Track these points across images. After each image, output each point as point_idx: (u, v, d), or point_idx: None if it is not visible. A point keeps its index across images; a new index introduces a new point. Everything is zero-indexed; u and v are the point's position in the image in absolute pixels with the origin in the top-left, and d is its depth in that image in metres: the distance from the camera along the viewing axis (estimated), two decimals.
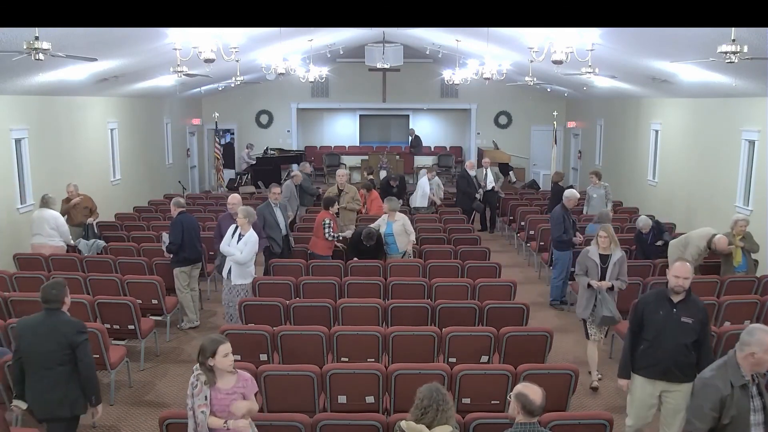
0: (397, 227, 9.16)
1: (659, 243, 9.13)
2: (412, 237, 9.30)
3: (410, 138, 21.01)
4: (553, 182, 12.85)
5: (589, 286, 6.70)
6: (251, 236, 7.48)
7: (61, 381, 4.51)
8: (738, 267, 8.16)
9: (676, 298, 4.87)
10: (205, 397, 3.96)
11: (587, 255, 6.85)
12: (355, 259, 8.94)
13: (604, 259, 6.73)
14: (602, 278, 6.70)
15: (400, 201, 12.84)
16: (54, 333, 4.51)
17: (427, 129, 22.99)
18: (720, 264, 8.45)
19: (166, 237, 8.44)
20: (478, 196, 13.54)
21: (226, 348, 3.95)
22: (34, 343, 4.52)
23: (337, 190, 10.88)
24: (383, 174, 16.10)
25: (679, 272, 4.88)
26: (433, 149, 22.23)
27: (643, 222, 9.35)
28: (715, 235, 8.08)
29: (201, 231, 8.95)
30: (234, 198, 8.66)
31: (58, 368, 4.50)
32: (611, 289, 6.66)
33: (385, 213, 9.45)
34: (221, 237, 7.82)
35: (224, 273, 7.64)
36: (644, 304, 5.05)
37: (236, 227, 7.55)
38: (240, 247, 7.43)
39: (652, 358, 4.90)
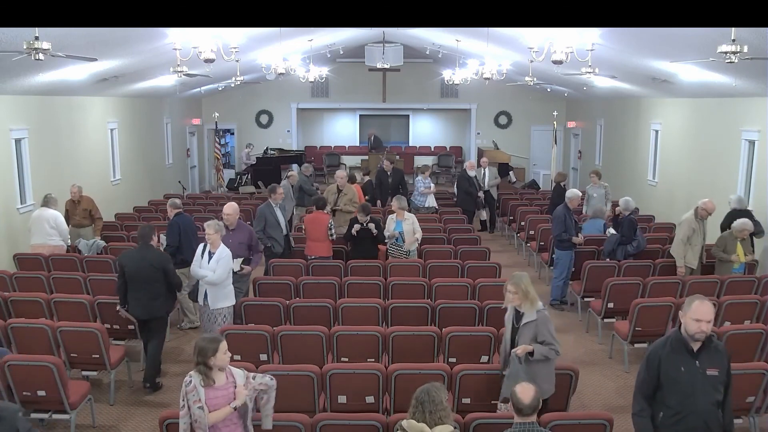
0: (406, 226, 9.09)
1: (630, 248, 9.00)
2: (418, 236, 9.25)
3: (370, 139, 20.99)
4: (556, 182, 12.84)
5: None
6: (223, 252, 6.64)
7: (158, 293, 6.63)
8: (737, 269, 8.16)
9: (695, 346, 3.88)
10: (200, 395, 4.02)
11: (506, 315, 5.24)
12: (350, 244, 8.98)
13: (519, 318, 5.05)
14: (512, 342, 5.07)
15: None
16: (152, 261, 6.60)
17: (427, 129, 23.01)
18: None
19: (163, 239, 8.40)
20: (480, 195, 13.41)
21: (224, 345, 4.11)
22: (139, 268, 6.58)
23: (336, 190, 10.83)
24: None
25: (701, 314, 3.79)
26: (433, 149, 22.23)
27: (624, 203, 9.41)
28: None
29: (199, 232, 8.92)
30: (230, 207, 7.71)
31: (156, 284, 6.60)
32: (531, 354, 4.85)
33: (394, 212, 9.34)
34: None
35: (200, 299, 6.77)
36: (659, 358, 3.94)
37: (205, 245, 6.72)
38: (212, 266, 6.56)
39: (681, 426, 3.87)
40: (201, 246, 6.78)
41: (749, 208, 9.75)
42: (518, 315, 5.05)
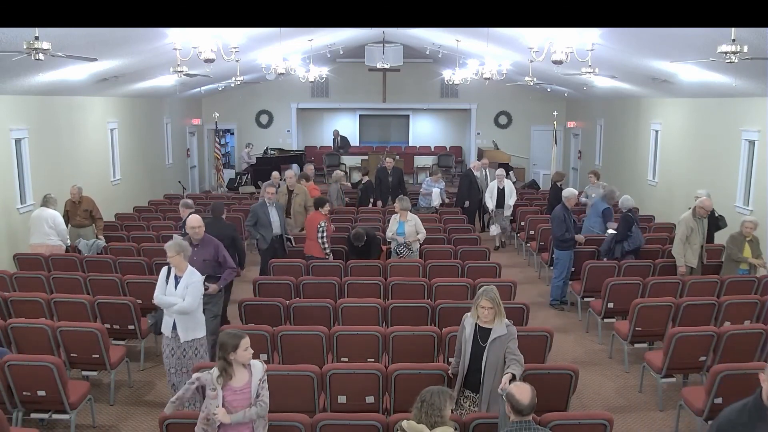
0: (408, 228, 9.08)
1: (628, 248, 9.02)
2: (421, 236, 9.20)
3: (335, 139, 20.86)
4: (553, 182, 12.85)
5: (468, 388, 4.76)
6: (193, 276, 5.80)
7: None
8: (744, 270, 8.14)
9: None
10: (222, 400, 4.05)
11: (463, 323, 4.86)
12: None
13: (484, 335, 4.68)
14: (473, 361, 4.71)
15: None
16: (223, 231, 7.57)
17: (427, 129, 23.03)
18: (720, 265, 8.45)
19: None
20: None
21: (246, 342, 4.10)
22: (213, 236, 7.04)
23: (287, 191, 10.57)
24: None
25: None
26: (433, 149, 22.24)
27: (621, 201, 9.41)
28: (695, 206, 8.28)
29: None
30: (196, 220, 6.81)
31: (227, 250, 7.10)
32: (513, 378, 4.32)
33: (396, 213, 9.31)
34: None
35: (166, 331, 5.83)
36: (732, 428, 3.19)
37: (169, 268, 5.86)
38: (180, 293, 5.71)
39: None
40: (164, 270, 5.90)
41: (750, 208, 9.79)
42: (483, 332, 4.68)
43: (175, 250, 5.74)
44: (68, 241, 9.47)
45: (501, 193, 12.48)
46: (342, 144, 20.79)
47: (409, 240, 9.08)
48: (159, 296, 5.82)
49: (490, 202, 12.52)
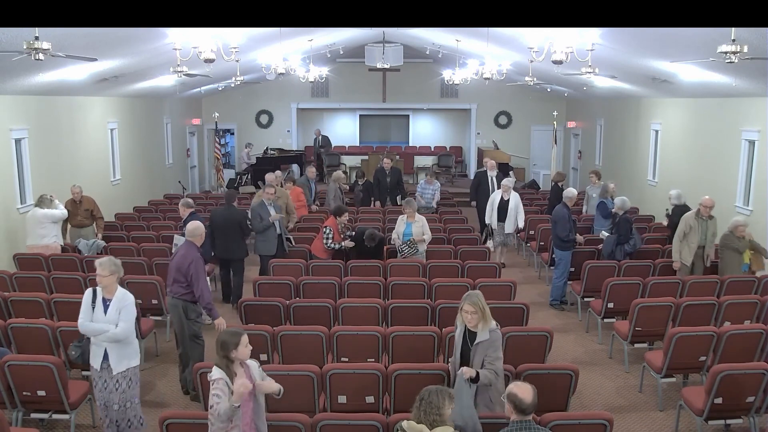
0: (416, 228, 9.06)
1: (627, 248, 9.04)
2: (427, 237, 9.14)
3: (317, 138, 20.66)
4: (554, 182, 12.84)
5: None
6: (125, 298, 5.19)
7: (237, 240, 8.90)
8: (742, 267, 8.15)
9: None
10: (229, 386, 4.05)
11: (456, 322, 4.96)
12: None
13: (472, 337, 4.74)
14: (463, 361, 4.81)
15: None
16: (233, 216, 8.84)
17: (427, 129, 23.02)
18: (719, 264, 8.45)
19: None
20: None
21: (245, 338, 4.18)
22: (224, 221, 8.77)
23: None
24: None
25: None
26: (433, 149, 22.23)
27: (618, 203, 9.45)
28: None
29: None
30: (200, 228, 6.49)
31: (235, 234, 8.82)
32: (475, 380, 4.52)
33: (404, 213, 9.24)
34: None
35: (96, 362, 5.16)
36: None
37: (94, 291, 5.22)
38: (111, 318, 5.07)
39: None
40: (88, 292, 5.24)
41: (750, 208, 9.79)
42: (471, 334, 4.74)
43: (109, 269, 5.12)
44: (62, 212, 9.39)
45: (504, 205, 10.83)
46: (323, 143, 20.69)
47: (415, 239, 9.07)
48: (85, 323, 5.12)
49: (489, 213, 11.02)
